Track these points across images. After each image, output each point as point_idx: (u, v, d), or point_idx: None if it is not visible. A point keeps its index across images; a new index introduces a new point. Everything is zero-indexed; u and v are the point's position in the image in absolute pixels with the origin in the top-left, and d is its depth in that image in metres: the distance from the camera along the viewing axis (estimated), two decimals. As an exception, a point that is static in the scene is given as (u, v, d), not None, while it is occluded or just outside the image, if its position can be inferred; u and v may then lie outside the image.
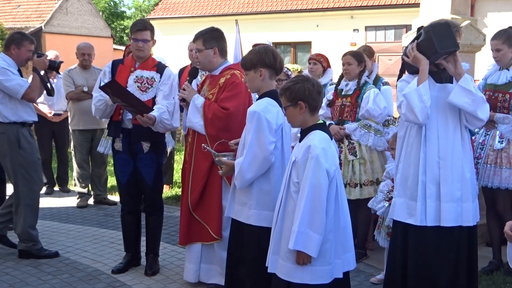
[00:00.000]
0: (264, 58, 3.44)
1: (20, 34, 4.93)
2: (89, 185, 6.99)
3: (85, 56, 6.55)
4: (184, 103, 4.20)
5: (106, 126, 6.77)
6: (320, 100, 3.12)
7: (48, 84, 5.02)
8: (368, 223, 4.98)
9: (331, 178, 2.95)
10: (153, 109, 4.27)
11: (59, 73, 6.87)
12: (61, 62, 5.08)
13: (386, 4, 20.06)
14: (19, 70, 4.91)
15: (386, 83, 5.33)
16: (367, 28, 20.53)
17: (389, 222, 4.14)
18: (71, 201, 7.03)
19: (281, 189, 3.16)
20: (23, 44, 4.86)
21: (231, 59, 5.25)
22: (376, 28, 20.42)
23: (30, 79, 4.94)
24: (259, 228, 3.38)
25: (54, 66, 5.00)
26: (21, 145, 4.85)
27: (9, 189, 5.23)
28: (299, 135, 3.16)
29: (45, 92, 5.05)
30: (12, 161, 4.85)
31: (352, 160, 4.86)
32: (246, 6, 22.34)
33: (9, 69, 4.75)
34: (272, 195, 3.36)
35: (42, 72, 4.92)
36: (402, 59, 3.55)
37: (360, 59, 4.96)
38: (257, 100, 3.54)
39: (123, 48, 36.25)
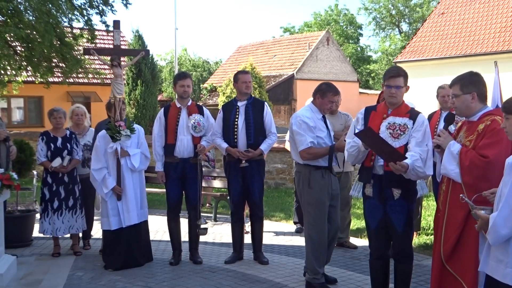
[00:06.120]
0: None
1: (326, 85, 5.42)
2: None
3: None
4: (438, 150, 4.09)
5: (352, 169, 6.99)
6: None
7: None
8: None
9: None
10: (406, 157, 4.25)
11: None
12: None
13: None
14: (323, 117, 5.39)
15: None
16: None
17: None
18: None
19: None
20: (327, 94, 5.34)
21: (489, 102, 4.96)
22: None
23: None
24: (518, 289, 3.07)
25: None
26: (310, 185, 5.27)
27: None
28: None
29: None
30: (303, 198, 5.35)
31: None
32: (502, 44, 20.93)
33: (308, 122, 5.20)
34: (534, 255, 3.04)
35: None
36: None
37: None
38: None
39: (368, 91, 36.83)
